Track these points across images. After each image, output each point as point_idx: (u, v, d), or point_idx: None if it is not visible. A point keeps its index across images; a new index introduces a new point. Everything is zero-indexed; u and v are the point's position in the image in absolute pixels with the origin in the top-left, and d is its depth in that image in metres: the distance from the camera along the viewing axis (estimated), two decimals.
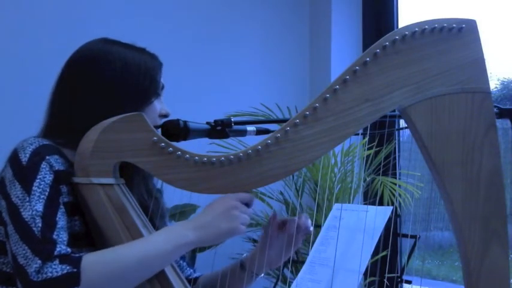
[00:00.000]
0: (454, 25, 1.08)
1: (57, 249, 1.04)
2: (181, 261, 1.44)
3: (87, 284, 1.02)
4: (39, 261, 1.01)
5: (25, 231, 1.05)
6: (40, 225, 1.05)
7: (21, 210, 1.07)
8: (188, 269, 1.44)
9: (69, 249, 1.06)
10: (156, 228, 1.23)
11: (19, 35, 2.35)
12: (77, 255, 1.06)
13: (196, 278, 1.45)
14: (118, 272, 1.06)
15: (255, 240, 2.62)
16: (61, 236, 1.07)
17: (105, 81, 1.24)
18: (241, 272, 1.36)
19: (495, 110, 1.10)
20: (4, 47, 2.31)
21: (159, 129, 1.27)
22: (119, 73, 1.24)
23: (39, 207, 1.07)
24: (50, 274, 1.00)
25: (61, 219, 1.10)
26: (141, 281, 1.10)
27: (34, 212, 1.06)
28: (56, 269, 1.01)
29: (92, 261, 1.04)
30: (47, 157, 1.13)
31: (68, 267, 1.02)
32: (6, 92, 2.29)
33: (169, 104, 1.34)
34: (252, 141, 1.19)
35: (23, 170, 1.11)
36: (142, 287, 1.12)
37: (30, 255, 1.02)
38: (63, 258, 1.03)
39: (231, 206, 1.16)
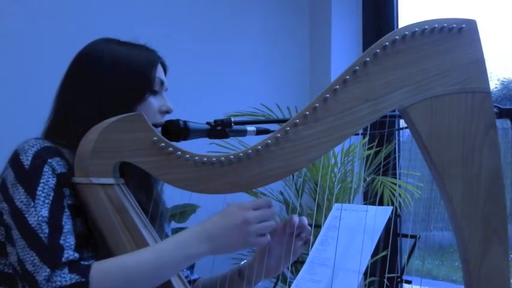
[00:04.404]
0: (454, 25, 1.08)
1: (65, 255, 1.04)
2: None
3: None
4: (48, 270, 1.02)
5: (32, 237, 1.05)
6: (47, 231, 1.05)
7: (26, 215, 1.06)
8: (185, 270, 1.43)
9: (76, 255, 1.06)
10: (156, 228, 1.23)
11: (20, 35, 2.35)
12: (86, 263, 1.05)
13: (194, 280, 1.44)
14: (127, 283, 1.06)
15: None
16: (68, 240, 1.07)
17: (97, 80, 1.23)
18: (239, 279, 1.35)
19: (495, 110, 1.10)
20: (5, 47, 2.31)
21: (159, 129, 1.26)
22: (110, 70, 1.23)
23: (45, 212, 1.07)
24: (58, 283, 1.01)
25: (67, 223, 1.09)
26: None
27: (40, 218, 1.06)
28: (65, 278, 1.01)
29: (100, 270, 1.04)
30: (49, 160, 1.13)
31: (76, 277, 1.02)
32: (7, 92, 2.29)
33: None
34: (252, 141, 1.19)
35: (26, 174, 1.10)
36: None
37: (38, 263, 1.03)
38: (72, 266, 1.03)
39: (244, 220, 1.13)
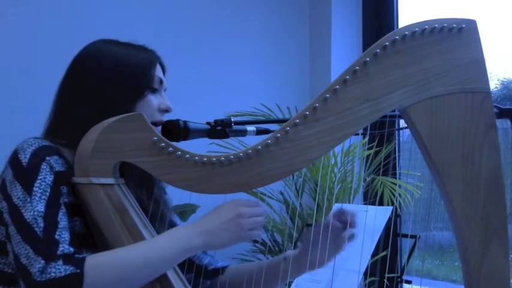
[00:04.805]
0: (454, 25, 1.08)
1: (60, 248, 1.04)
2: None
3: (90, 285, 1.02)
4: (43, 261, 1.02)
5: (27, 231, 1.05)
6: (42, 225, 1.06)
7: (23, 210, 1.07)
8: (205, 256, 1.42)
9: (72, 249, 1.06)
10: (156, 228, 1.23)
11: (20, 35, 2.34)
12: (81, 256, 1.06)
13: (222, 268, 1.41)
14: (121, 275, 1.07)
15: (255, 240, 2.62)
16: (63, 235, 1.07)
17: (97, 80, 1.24)
18: (284, 267, 1.34)
19: (495, 110, 1.10)
20: (5, 47, 2.31)
21: (159, 129, 1.27)
22: (109, 70, 1.24)
23: (41, 207, 1.07)
24: (53, 274, 1.01)
25: (62, 220, 1.10)
26: (144, 284, 1.11)
27: (36, 213, 1.06)
28: (60, 270, 1.01)
29: (95, 263, 1.05)
30: (47, 158, 1.14)
31: (71, 268, 1.02)
32: (7, 92, 2.29)
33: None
34: (252, 141, 1.19)
35: (24, 171, 1.11)
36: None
37: (32, 255, 1.03)
38: (67, 259, 1.03)
39: (238, 214, 1.16)
